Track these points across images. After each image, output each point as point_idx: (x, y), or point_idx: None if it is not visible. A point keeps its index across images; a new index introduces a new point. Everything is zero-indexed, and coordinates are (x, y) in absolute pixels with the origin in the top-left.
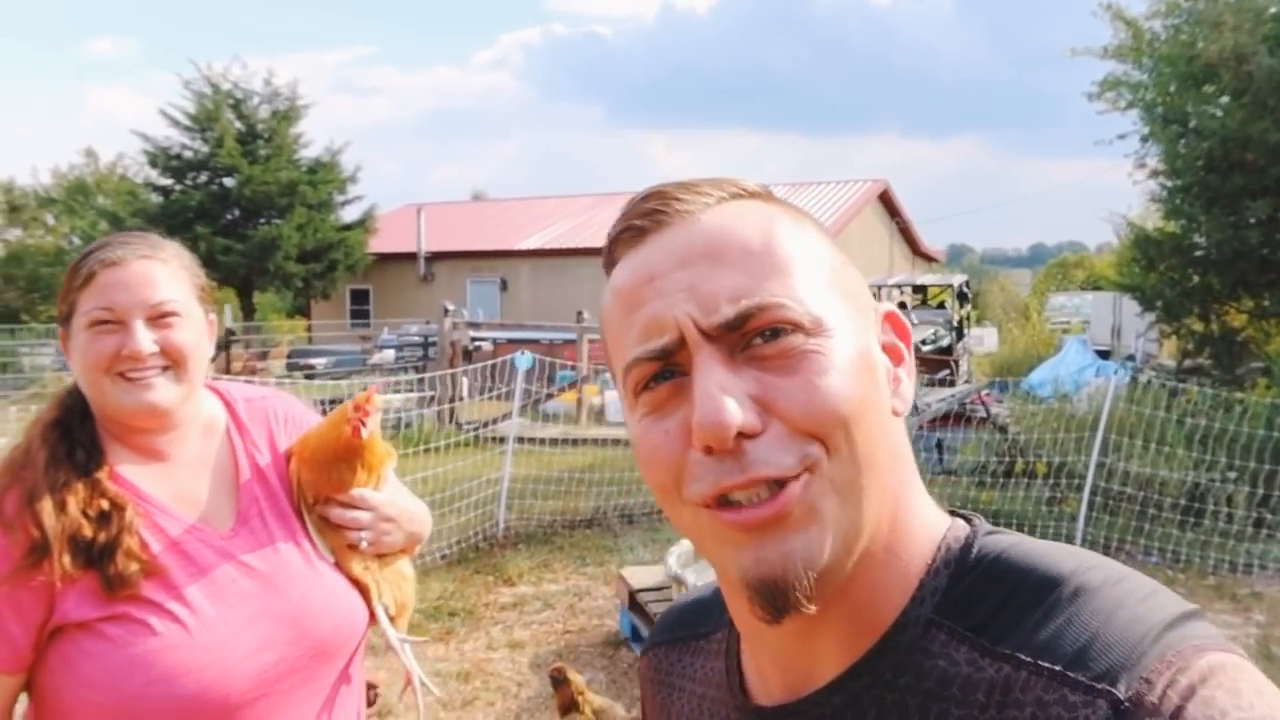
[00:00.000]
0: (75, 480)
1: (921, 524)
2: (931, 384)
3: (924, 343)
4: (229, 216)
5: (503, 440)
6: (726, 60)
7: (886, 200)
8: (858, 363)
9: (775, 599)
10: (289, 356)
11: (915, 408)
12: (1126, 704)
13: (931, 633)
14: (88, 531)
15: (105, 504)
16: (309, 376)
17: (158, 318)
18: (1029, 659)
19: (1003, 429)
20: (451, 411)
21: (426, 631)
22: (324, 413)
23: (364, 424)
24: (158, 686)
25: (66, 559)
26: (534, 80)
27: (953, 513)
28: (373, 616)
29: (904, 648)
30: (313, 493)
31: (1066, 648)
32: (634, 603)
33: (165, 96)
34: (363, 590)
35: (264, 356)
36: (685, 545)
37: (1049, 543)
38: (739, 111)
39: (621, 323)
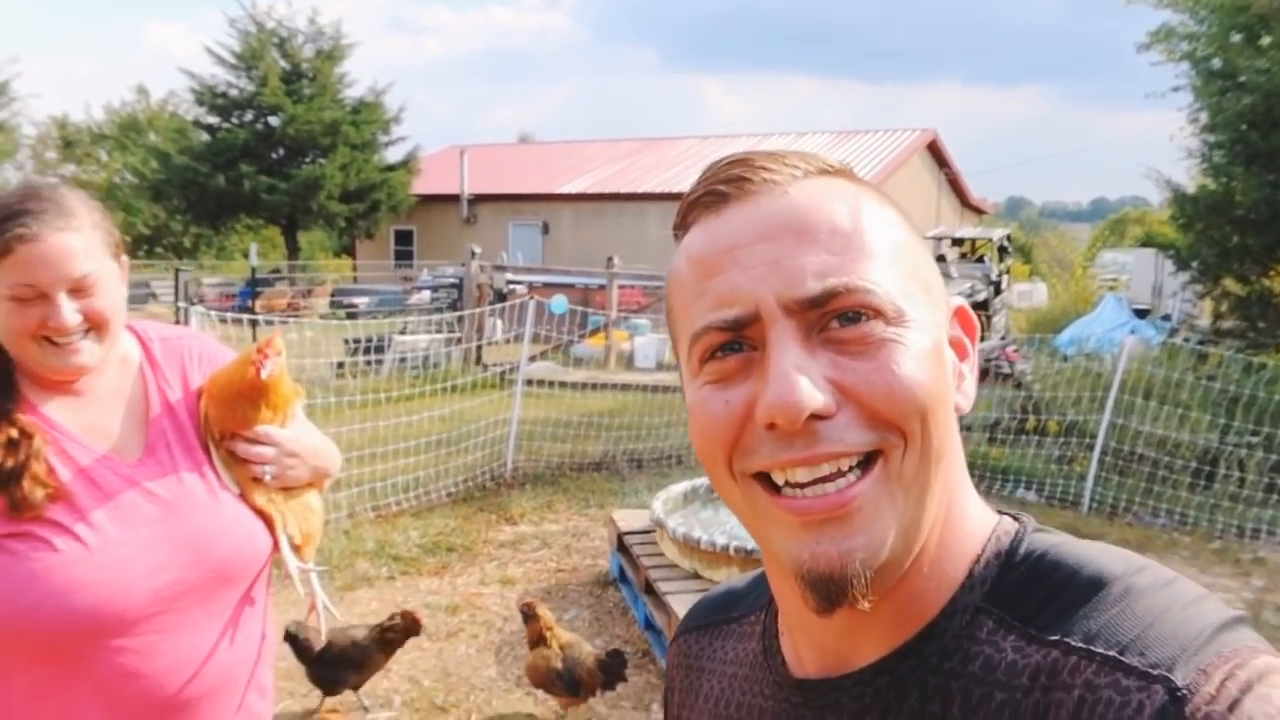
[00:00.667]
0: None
1: (972, 519)
2: None
3: (960, 295)
4: (273, 155)
5: (530, 383)
6: (786, 2)
7: (935, 150)
8: (933, 354)
9: (831, 594)
10: (332, 296)
11: None
12: (1184, 691)
13: (979, 620)
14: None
15: (14, 432)
16: (351, 315)
17: (79, 289)
18: (1079, 644)
19: (1021, 385)
20: (477, 352)
21: (423, 565)
22: (354, 352)
23: (264, 365)
24: (55, 600)
25: None
26: (588, 21)
27: (1000, 512)
28: (277, 545)
29: (950, 634)
30: (219, 428)
31: (1120, 637)
32: (621, 544)
33: (215, 34)
34: (267, 521)
35: (308, 294)
36: (674, 490)
37: (1097, 543)
38: (797, 56)
39: (694, 289)
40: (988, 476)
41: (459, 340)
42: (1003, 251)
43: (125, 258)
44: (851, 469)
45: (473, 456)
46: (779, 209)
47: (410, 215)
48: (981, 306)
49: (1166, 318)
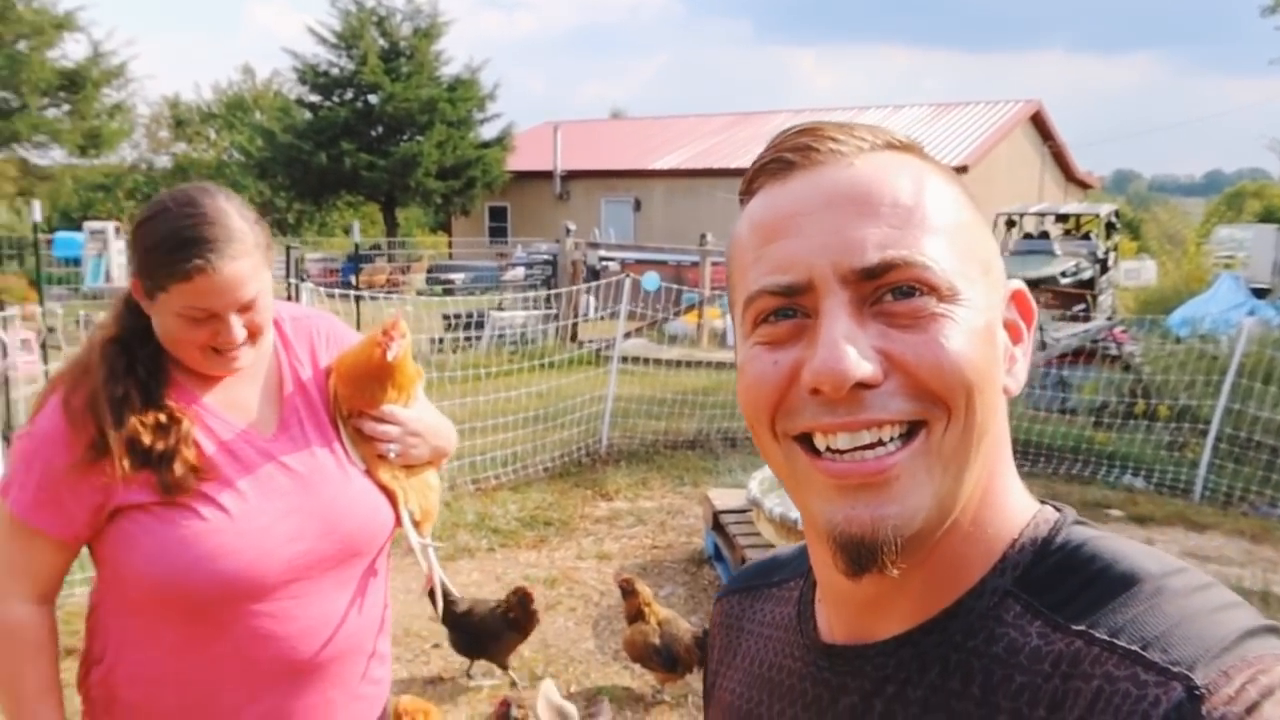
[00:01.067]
0: (135, 394)
1: (1011, 503)
2: (1064, 319)
3: (1064, 274)
4: (373, 133)
5: (621, 359)
6: None
7: (1039, 122)
8: (984, 334)
9: (860, 558)
10: (429, 271)
11: (1042, 343)
12: (1202, 690)
13: (1007, 603)
14: (146, 440)
15: (164, 417)
16: (447, 291)
17: (246, 308)
18: (1103, 636)
19: (1130, 368)
20: (573, 329)
21: (521, 539)
22: (450, 327)
23: (390, 347)
24: (203, 564)
25: (126, 462)
26: None
27: (1043, 502)
28: (399, 520)
29: (977, 613)
30: (347, 406)
31: (1144, 633)
32: (717, 523)
33: (316, 12)
34: (390, 496)
35: (406, 271)
36: (768, 470)
37: (1136, 543)
38: (892, 25)
39: (753, 252)
40: (1093, 461)
41: (555, 317)
42: (1110, 228)
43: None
44: (893, 439)
45: (569, 432)
46: (842, 179)
47: (504, 192)
48: (1087, 285)
49: None
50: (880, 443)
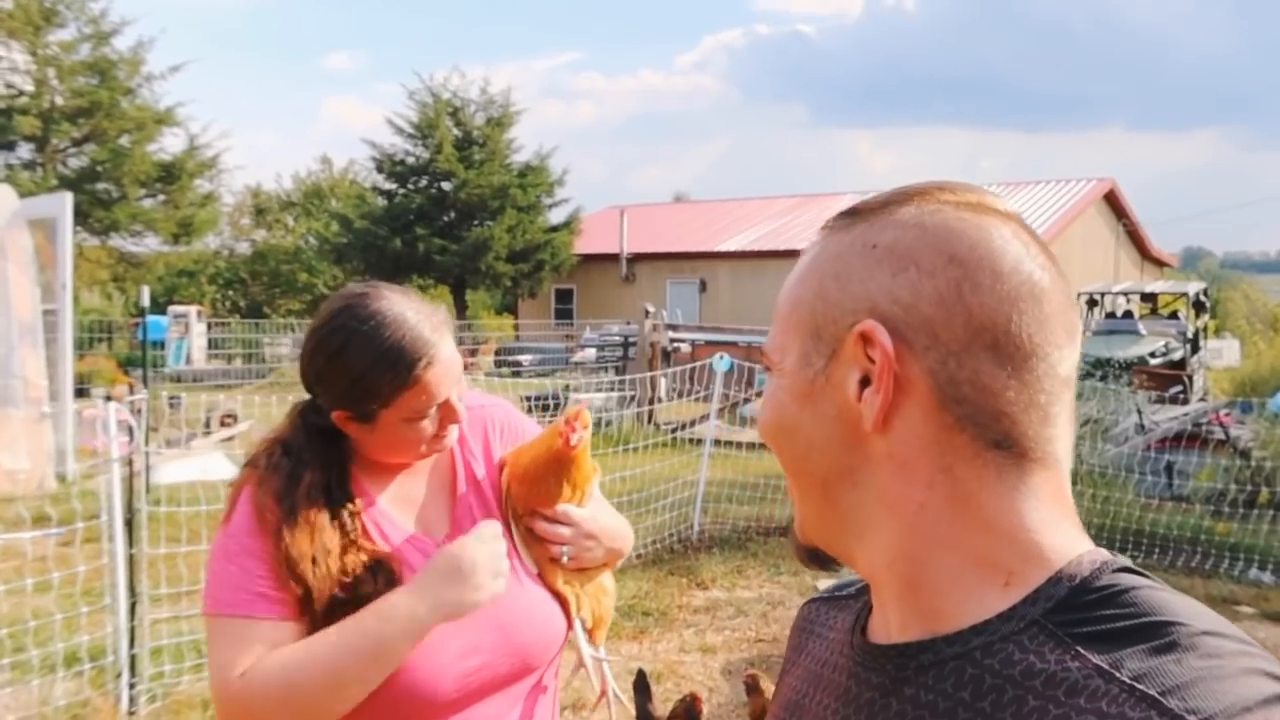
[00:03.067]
0: (334, 533)
1: (1054, 540)
2: (1161, 401)
3: (1153, 355)
4: (445, 219)
5: (699, 442)
6: (937, 54)
7: (1113, 200)
8: (793, 393)
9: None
10: (497, 353)
11: (1142, 427)
12: None
13: (1033, 631)
14: (346, 592)
15: (365, 560)
16: (515, 373)
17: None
18: (1125, 678)
19: (1244, 453)
20: (650, 413)
21: (622, 629)
22: (529, 409)
23: (572, 437)
24: None
25: (312, 568)
26: (737, 81)
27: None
28: (570, 627)
29: (1001, 635)
30: (521, 505)
31: (1166, 680)
32: None
33: (389, 105)
34: (563, 603)
35: (474, 353)
36: None
37: (1185, 597)
38: (950, 108)
39: None
40: (1214, 554)
41: (633, 398)
42: (1199, 306)
43: None
44: None
45: (660, 519)
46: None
47: (571, 274)
48: (1178, 365)
49: None
50: None
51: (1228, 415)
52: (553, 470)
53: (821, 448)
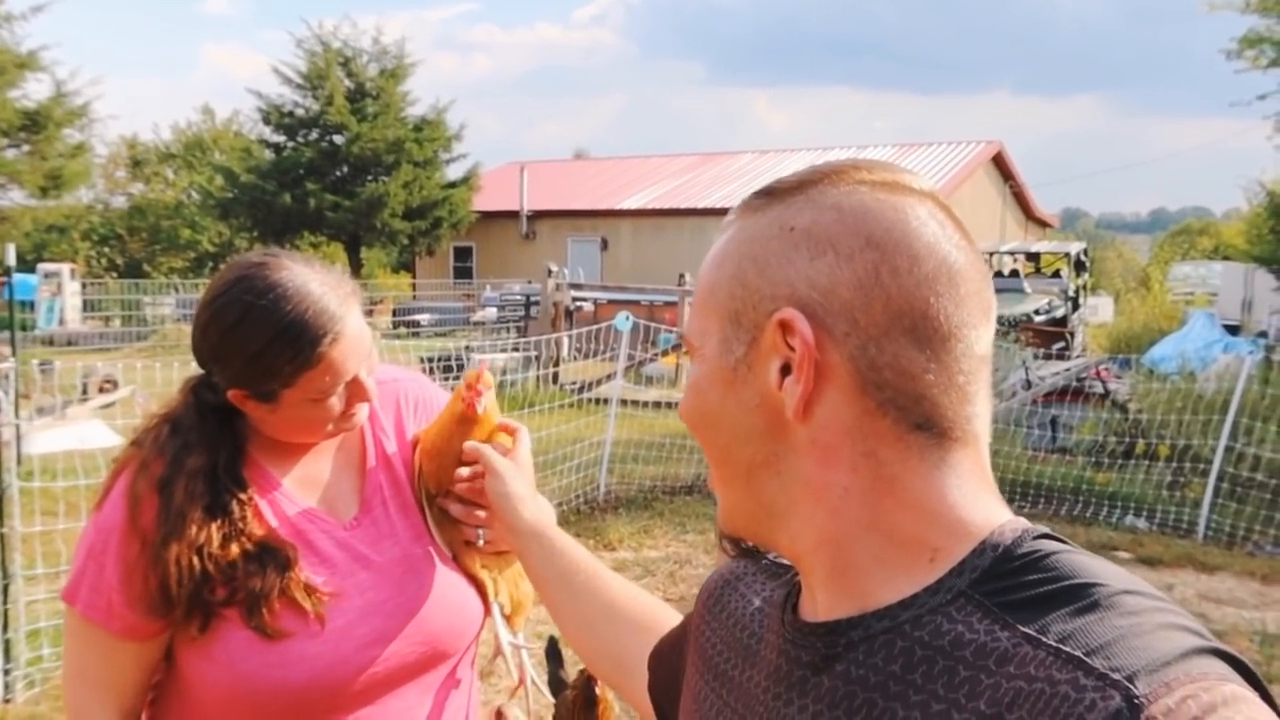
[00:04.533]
0: (204, 481)
1: (977, 513)
2: (1046, 357)
3: (1037, 313)
4: (338, 173)
5: (604, 403)
6: (832, 14)
7: (1000, 163)
8: (712, 378)
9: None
10: (394, 313)
11: (1028, 383)
12: (1141, 700)
13: (960, 602)
14: (217, 536)
15: (251, 549)
16: (414, 333)
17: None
18: (1051, 641)
19: (1122, 407)
20: (555, 373)
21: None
22: (429, 371)
23: (476, 401)
24: (273, 670)
25: (194, 558)
26: (635, 37)
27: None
28: (488, 613)
29: (930, 607)
30: (433, 483)
31: (1090, 641)
32: None
33: (276, 54)
34: (479, 587)
35: (370, 313)
36: None
37: (1100, 559)
38: (845, 68)
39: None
40: (1094, 502)
41: (537, 358)
42: (1080, 266)
43: None
44: None
45: (566, 480)
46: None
47: (469, 232)
48: (1060, 323)
49: (1263, 334)
50: None
51: (1107, 370)
52: (460, 439)
53: (744, 437)
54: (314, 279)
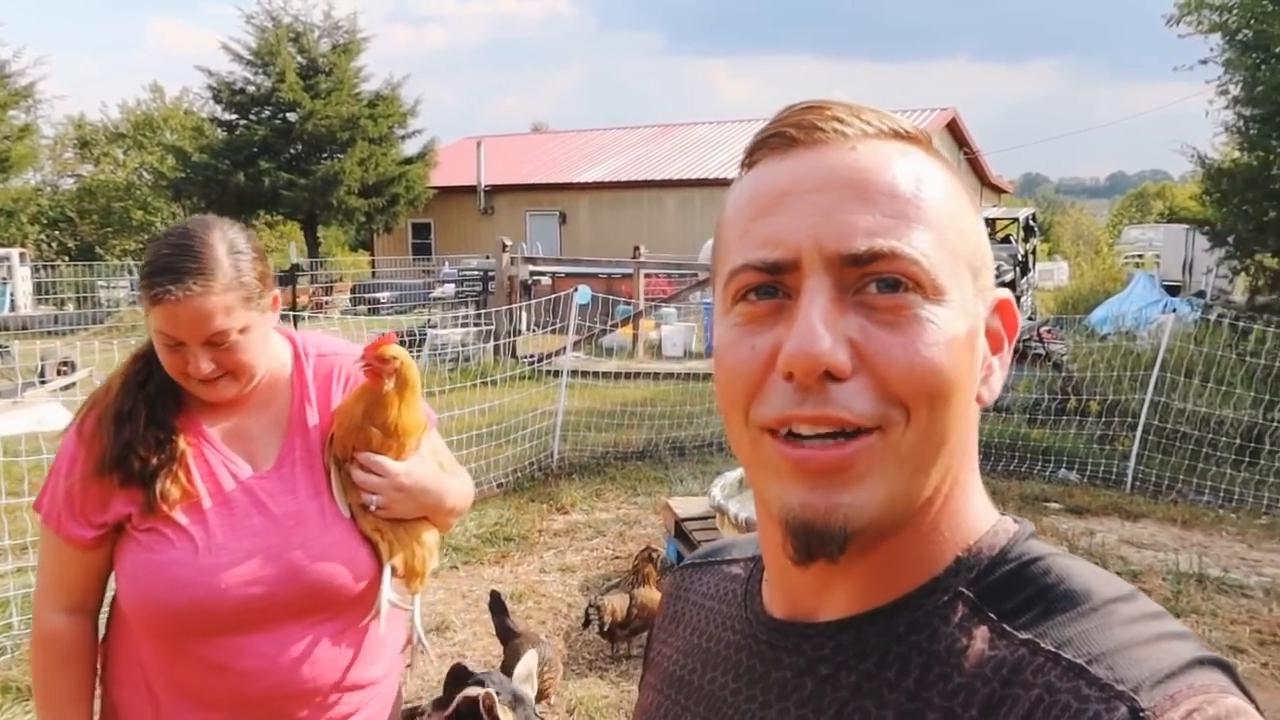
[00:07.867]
0: (142, 411)
1: (972, 511)
2: None
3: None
4: (292, 151)
5: (559, 374)
6: None
7: (954, 129)
8: (964, 341)
9: (809, 544)
10: (353, 291)
11: None
12: (1147, 713)
13: (956, 605)
14: (140, 453)
15: (162, 434)
16: (373, 311)
17: (213, 344)
18: (1049, 648)
19: (1059, 366)
20: (511, 345)
21: (484, 555)
22: None
23: (381, 370)
24: (163, 591)
25: (118, 475)
26: (593, 7)
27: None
28: (380, 573)
29: (924, 610)
30: (339, 449)
31: (1091, 649)
32: (679, 531)
33: (223, 29)
34: (375, 549)
35: (329, 291)
36: (730, 476)
37: (1091, 565)
38: (804, 37)
39: (741, 226)
40: (1029, 457)
41: (493, 333)
42: (1028, 231)
43: (277, 291)
44: (855, 432)
45: (520, 448)
46: (843, 162)
47: (427, 208)
48: (1009, 287)
49: (1200, 294)
50: (844, 434)
51: (1049, 332)
52: (366, 414)
53: (967, 411)
54: (216, 251)
